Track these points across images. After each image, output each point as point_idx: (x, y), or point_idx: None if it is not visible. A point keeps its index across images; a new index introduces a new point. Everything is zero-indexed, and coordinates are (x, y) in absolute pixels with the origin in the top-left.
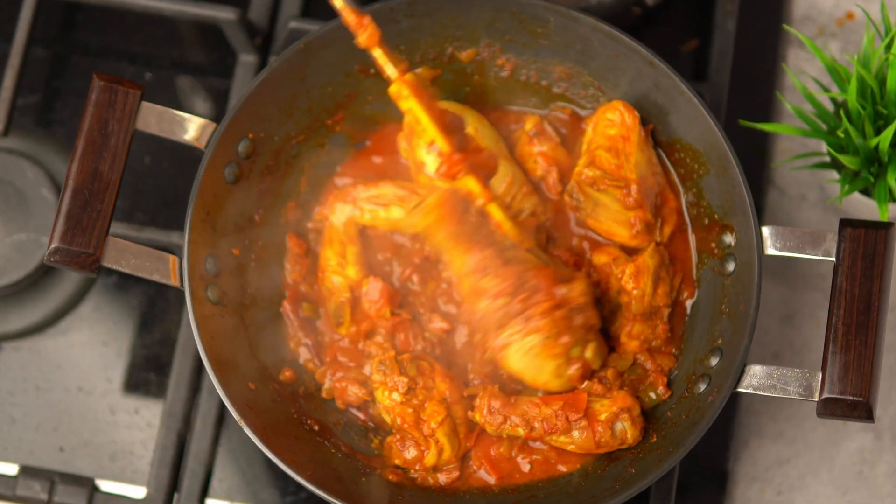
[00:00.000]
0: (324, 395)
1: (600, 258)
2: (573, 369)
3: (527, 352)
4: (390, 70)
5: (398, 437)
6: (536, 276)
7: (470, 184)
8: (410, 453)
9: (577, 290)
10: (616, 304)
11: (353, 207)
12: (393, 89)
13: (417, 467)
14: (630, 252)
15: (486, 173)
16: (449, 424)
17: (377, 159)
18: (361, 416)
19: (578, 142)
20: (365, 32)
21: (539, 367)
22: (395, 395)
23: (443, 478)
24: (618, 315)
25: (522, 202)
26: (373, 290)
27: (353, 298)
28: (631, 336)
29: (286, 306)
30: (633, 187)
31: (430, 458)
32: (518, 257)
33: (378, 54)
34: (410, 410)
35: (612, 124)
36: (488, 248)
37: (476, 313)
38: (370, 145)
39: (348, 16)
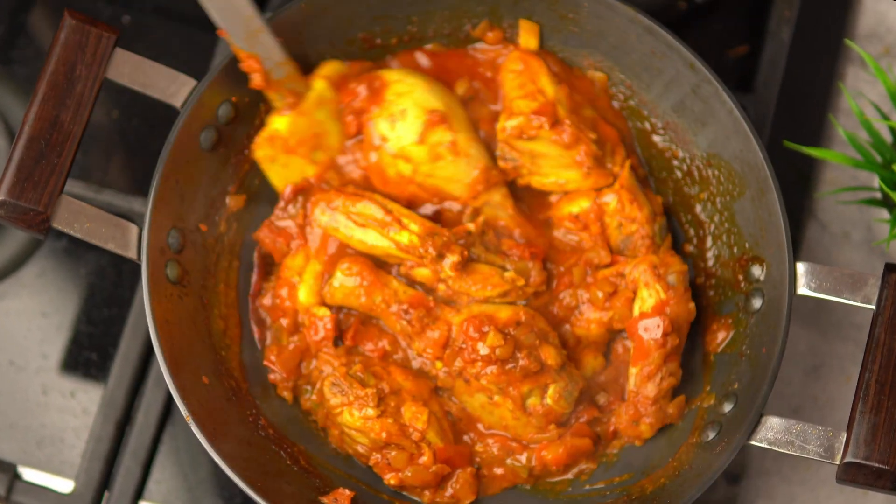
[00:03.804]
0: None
1: (580, 204)
2: (537, 421)
3: (481, 409)
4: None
5: (381, 454)
6: (459, 332)
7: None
8: (407, 467)
9: (491, 342)
10: (623, 241)
11: (331, 217)
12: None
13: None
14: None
15: None
16: (434, 420)
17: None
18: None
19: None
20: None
21: (500, 422)
22: (369, 411)
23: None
24: (627, 252)
25: (490, 194)
26: (319, 327)
27: (294, 323)
28: (645, 261)
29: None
30: (566, 122)
31: (428, 462)
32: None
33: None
34: (391, 420)
35: (517, 73)
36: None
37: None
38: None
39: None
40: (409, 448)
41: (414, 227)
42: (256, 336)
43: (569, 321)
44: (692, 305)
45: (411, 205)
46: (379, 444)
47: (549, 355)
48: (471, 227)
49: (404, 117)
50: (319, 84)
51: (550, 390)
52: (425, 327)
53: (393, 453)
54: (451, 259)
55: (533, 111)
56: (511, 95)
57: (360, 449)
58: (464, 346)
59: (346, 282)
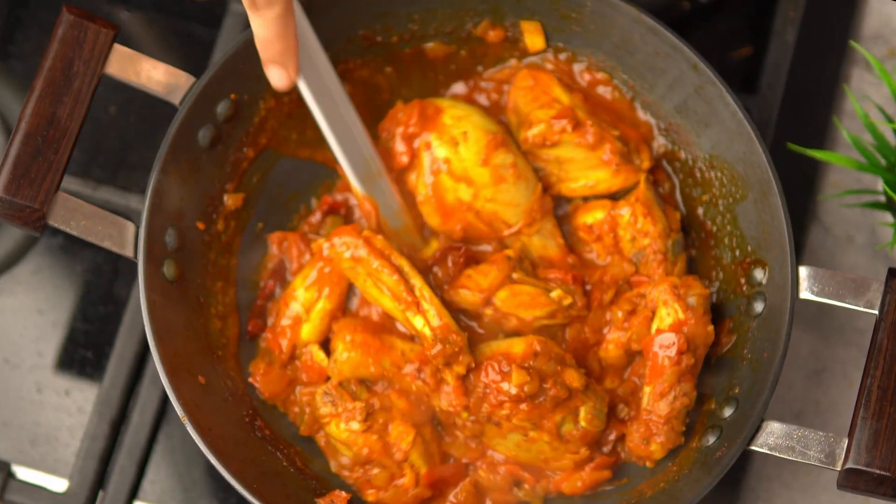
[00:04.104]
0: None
1: (595, 215)
2: (574, 448)
3: (517, 448)
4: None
5: (363, 469)
6: (476, 379)
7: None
8: (387, 486)
9: (517, 380)
10: (636, 254)
11: (352, 266)
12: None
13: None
14: (620, 197)
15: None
16: (421, 443)
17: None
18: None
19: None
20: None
21: (538, 457)
22: (354, 424)
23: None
24: (639, 267)
25: (543, 222)
26: (313, 372)
27: (291, 356)
28: (666, 281)
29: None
30: (587, 123)
31: (408, 484)
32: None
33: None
34: (375, 437)
35: (528, 89)
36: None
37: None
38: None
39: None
40: (391, 467)
41: (433, 319)
42: (249, 328)
43: (599, 344)
44: (711, 328)
45: (466, 240)
46: (361, 459)
47: (572, 378)
48: (510, 253)
49: (467, 139)
50: (435, 243)
51: (582, 413)
52: (441, 382)
53: (375, 471)
54: (456, 371)
55: (552, 117)
56: (526, 109)
57: (343, 461)
58: (487, 390)
59: (352, 355)
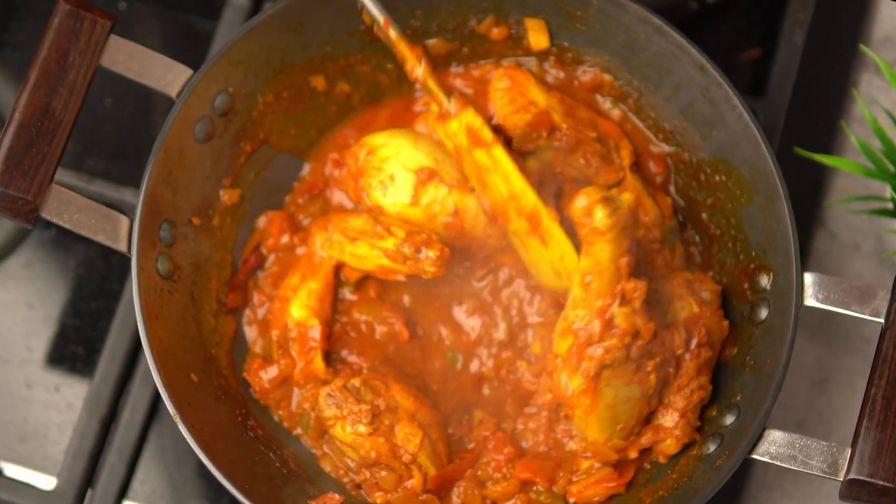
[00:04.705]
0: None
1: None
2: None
3: (641, 393)
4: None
5: (370, 472)
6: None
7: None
8: (395, 489)
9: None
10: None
11: (327, 237)
12: (454, 126)
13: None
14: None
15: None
16: (428, 444)
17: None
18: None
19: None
20: (419, 66)
21: (642, 412)
22: (360, 427)
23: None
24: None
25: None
26: (308, 338)
27: (284, 338)
28: (670, 265)
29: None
30: (563, 127)
31: (417, 486)
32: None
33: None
34: (383, 440)
35: (505, 90)
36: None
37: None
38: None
39: (403, 49)
40: (399, 469)
41: (399, 232)
42: (227, 301)
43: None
44: (726, 323)
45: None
46: (368, 461)
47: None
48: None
49: (393, 182)
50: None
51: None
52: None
53: (383, 473)
54: (431, 254)
55: (527, 123)
56: (503, 112)
57: (350, 463)
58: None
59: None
